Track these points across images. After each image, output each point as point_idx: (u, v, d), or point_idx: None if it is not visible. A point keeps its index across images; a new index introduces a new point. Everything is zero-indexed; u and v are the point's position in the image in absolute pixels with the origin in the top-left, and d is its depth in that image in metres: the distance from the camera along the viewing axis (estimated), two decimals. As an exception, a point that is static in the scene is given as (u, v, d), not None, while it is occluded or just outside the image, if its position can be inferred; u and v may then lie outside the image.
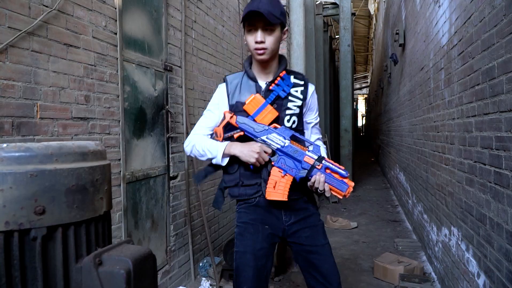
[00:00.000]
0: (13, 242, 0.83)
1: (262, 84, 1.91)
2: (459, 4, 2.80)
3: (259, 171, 1.84)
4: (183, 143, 3.49)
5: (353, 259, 4.33)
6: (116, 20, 2.60)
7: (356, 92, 30.77)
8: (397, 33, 6.43)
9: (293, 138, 1.79)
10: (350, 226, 5.68)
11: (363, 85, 32.77)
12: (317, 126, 2.06)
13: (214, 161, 1.89)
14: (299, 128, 1.93)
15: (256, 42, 1.79)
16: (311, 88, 1.98)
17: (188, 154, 2.00)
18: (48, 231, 0.86)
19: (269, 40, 1.80)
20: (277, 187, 1.76)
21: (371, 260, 4.11)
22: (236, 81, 1.95)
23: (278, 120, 1.85)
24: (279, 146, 1.77)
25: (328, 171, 1.71)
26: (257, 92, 1.89)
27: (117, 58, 2.61)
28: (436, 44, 3.68)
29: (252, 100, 1.83)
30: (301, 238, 1.90)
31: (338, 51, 11.76)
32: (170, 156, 3.33)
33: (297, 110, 1.91)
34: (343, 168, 1.71)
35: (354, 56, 17.70)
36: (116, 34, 2.60)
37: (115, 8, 2.59)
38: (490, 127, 2.19)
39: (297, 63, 5.79)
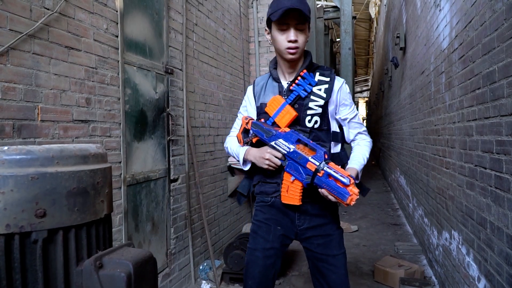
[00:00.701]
0: (14, 245, 0.83)
1: (285, 84, 1.90)
2: (460, 8, 2.80)
3: (279, 172, 1.83)
4: (184, 146, 3.51)
5: (353, 262, 4.32)
6: (117, 23, 2.60)
7: (357, 95, 30.79)
8: (398, 37, 6.43)
9: (300, 142, 1.74)
10: (351, 229, 5.67)
11: (364, 88, 32.77)
12: (356, 119, 1.96)
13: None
14: (323, 128, 1.86)
15: (290, 41, 1.76)
16: (338, 83, 1.89)
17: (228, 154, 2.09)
18: (49, 234, 0.86)
19: (301, 39, 1.79)
20: (289, 192, 1.74)
21: (372, 263, 4.10)
22: (262, 82, 1.97)
23: (299, 121, 1.82)
24: (285, 152, 1.74)
25: (331, 178, 1.63)
26: (279, 92, 1.88)
27: (118, 61, 2.62)
28: (437, 48, 3.68)
29: (272, 101, 1.83)
30: (313, 245, 1.88)
31: (339, 54, 11.78)
32: (171, 158, 3.33)
33: (319, 110, 1.84)
34: (347, 174, 1.60)
35: (355, 59, 17.73)
36: (117, 37, 2.61)
37: (116, 11, 2.60)
38: (491, 131, 2.19)
39: (298, 66, 5.79)
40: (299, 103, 1.83)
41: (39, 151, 0.87)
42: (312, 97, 1.84)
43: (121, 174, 2.64)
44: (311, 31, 6.67)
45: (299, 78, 1.84)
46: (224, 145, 2.10)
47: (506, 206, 1.97)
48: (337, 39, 13.89)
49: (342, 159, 1.94)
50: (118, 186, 2.62)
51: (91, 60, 2.36)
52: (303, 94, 1.82)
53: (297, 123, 1.82)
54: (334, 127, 1.94)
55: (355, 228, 5.72)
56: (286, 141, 1.73)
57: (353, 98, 10.52)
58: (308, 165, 1.67)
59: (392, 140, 8.76)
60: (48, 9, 2.04)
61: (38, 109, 1.98)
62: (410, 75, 5.66)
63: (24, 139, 1.90)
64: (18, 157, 0.85)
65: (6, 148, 0.86)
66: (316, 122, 1.83)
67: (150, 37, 3.06)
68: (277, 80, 1.92)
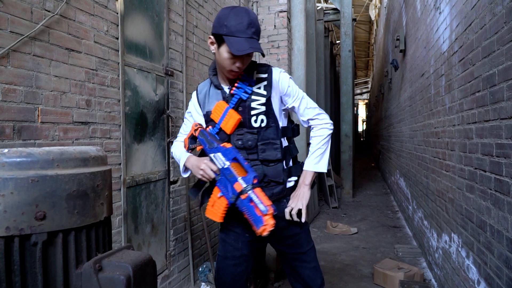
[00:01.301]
0: (14, 247, 0.83)
1: (227, 89, 1.88)
2: (460, 11, 2.81)
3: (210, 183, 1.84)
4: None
5: (353, 265, 4.31)
6: (117, 25, 2.61)
7: (356, 97, 30.81)
8: (397, 39, 6.44)
9: (236, 161, 1.71)
10: (350, 231, 5.67)
11: (364, 90, 32.80)
12: (303, 105, 1.90)
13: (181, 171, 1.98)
14: (271, 125, 1.84)
15: (237, 67, 1.75)
16: (275, 74, 1.85)
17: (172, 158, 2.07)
18: (49, 237, 0.86)
19: (246, 62, 1.78)
20: (214, 207, 1.72)
21: (371, 266, 4.10)
22: (205, 89, 1.95)
23: (245, 123, 1.81)
24: (220, 167, 1.71)
25: (252, 203, 1.61)
26: (223, 98, 1.86)
27: (119, 63, 2.62)
28: (436, 50, 3.69)
29: (216, 108, 1.82)
30: (284, 246, 1.94)
31: (338, 56, 11.79)
32: (171, 160, 3.33)
33: (263, 108, 1.82)
34: (268, 204, 1.58)
35: (355, 62, 17.74)
36: (117, 38, 2.61)
37: (117, 13, 2.60)
38: (491, 134, 2.19)
39: (298, 68, 5.80)
40: (242, 105, 1.82)
41: (39, 153, 0.87)
42: (253, 97, 1.82)
43: (120, 176, 2.64)
44: (311, 34, 6.68)
45: (238, 81, 1.83)
46: (171, 150, 2.08)
47: (506, 209, 1.97)
48: (337, 41, 13.91)
49: (292, 152, 1.94)
50: (117, 188, 2.62)
51: (91, 62, 2.36)
52: (244, 96, 1.80)
53: (243, 125, 1.81)
54: (283, 122, 1.92)
55: (355, 231, 5.72)
56: (223, 156, 1.70)
57: (353, 100, 10.53)
58: (236, 185, 1.65)
59: (392, 142, 8.76)
60: (49, 11, 2.04)
61: (38, 110, 1.98)
62: (410, 78, 5.66)
63: (24, 140, 1.90)
64: (18, 159, 0.85)
65: (6, 150, 0.86)
66: (262, 121, 1.81)
67: (150, 39, 3.06)
68: (218, 86, 1.89)
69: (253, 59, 1.87)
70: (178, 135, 2.09)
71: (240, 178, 1.64)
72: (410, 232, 5.58)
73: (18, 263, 0.84)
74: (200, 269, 3.76)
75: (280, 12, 5.54)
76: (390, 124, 9.17)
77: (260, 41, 5.00)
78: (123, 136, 2.65)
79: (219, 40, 1.73)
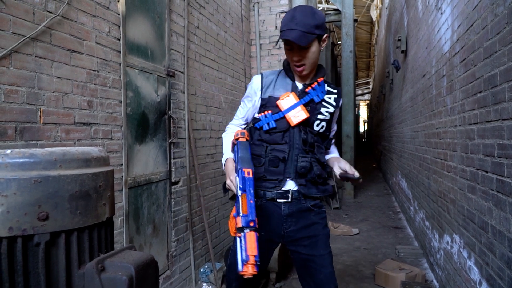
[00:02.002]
0: (17, 248, 0.84)
1: (299, 85, 1.95)
2: (461, 12, 2.81)
3: (278, 166, 1.89)
4: (185, 149, 3.51)
5: (354, 265, 4.31)
6: (119, 26, 2.61)
7: (358, 98, 30.81)
8: (399, 40, 6.44)
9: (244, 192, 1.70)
10: (352, 232, 5.66)
11: (365, 91, 32.79)
12: (334, 128, 2.11)
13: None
14: (326, 133, 1.99)
15: (295, 61, 1.84)
16: (341, 94, 2.04)
17: None
18: (51, 237, 0.86)
19: (307, 58, 1.84)
20: (230, 222, 1.74)
21: (373, 267, 4.09)
22: (271, 76, 2.00)
23: (308, 123, 1.89)
24: (234, 191, 1.71)
25: (242, 243, 1.59)
26: (292, 91, 1.93)
27: (120, 64, 2.62)
28: (438, 51, 3.69)
29: (287, 97, 1.88)
30: (300, 247, 1.92)
31: (340, 57, 11.80)
32: (172, 161, 3.33)
33: (328, 116, 1.96)
34: (252, 254, 1.55)
35: (356, 62, 17.74)
36: (119, 40, 2.61)
37: (119, 14, 2.61)
38: (492, 134, 2.19)
39: (299, 69, 5.80)
40: (311, 106, 1.91)
41: (41, 154, 0.88)
42: (324, 103, 1.94)
43: (122, 176, 2.64)
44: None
45: (315, 83, 1.93)
46: (223, 134, 2.11)
47: (508, 210, 1.97)
48: (338, 42, 13.91)
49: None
50: (119, 189, 2.62)
51: (93, 63, 2.37)
52: (316, 99, 1.90)
53: (306, 124, 1.89)
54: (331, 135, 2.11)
55: (356, 231, 5.71)
56: (239, 183, 1.66)
57: (354, 101, 10.53)
58: (237, 219, 1.63)
59: (393, 143, 8.75)
60: (50, 13, 2.04)
61: (40, 111, 1.99)
62: (411, 78, 5.66)
63: (27, 141, 1.90)
64: (21, 160, 0.85)
65: (9, 151, 0.86)
66: (322, 127, 1.94)
67: (152, 40, 3.07)
68: (292, 78, 1.96)
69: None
70: (233, 119, 2.12)
71: (242, 215, 1.61)
72: (412, 233, 5.58)
73: (21, 263, 0.84)
74: (202, 270, 3.77)
75: (282, 13, 5.54)
76: (392, 125, 9.17)
77: (261, 42, 5.03)
78: (125, 137, 2.65)
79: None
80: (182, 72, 3.51)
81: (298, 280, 3.72)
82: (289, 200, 1.88)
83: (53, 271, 0.88)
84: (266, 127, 1.89)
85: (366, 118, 38.50)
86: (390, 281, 3.59)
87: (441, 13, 3.50)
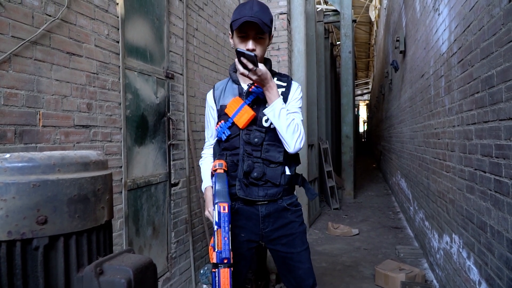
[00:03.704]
0: (16, 252, 0.84)
1: (244, 86, 1.96)
2: (458, 13, 2.82)
3: (235, 170, 1.91)
4: (184, 150, 3.52)
5: (354, 266, 4.32)
6: (118, 29, 2.62)
7: (357, 98, 30.81)
8: (397, 40, 6.45)
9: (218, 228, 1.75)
10: (352, 233, 5.67)
11: (365, 91, 32.79)
12: (291, 110, 1.89)
13: None
14: None
15: (248, 50, 1.83)
16: (294, 87, 1.97)
17: None
18: (50, 241, 0.87)
19: (259, 48, 1.87)
20: (210, 250, 1.77)
21: (373, 267, 4.10)
22: (221, 86, 2.04)
23: (256, 121, 1.88)
24: (213, 224, 1.75)
25: (216, 279, 1.66)
26: (239, 94, 1.94)
27: (119, 66, 2.63)
28: (436, 52, 3.70)
29: (232, 103, 1.90)
30: (278, 245, 1.97)
31: (339, 58, 11.80)
32: (171, 163, 3.34)
33: None
34: None
35: (355, 62, 17.75)
36: (118, 42, 2.62)
37: (118, 17, 2.62)
38: (490, 135, 2.20)
39: (298, 69, 5.81)
40: (257, 104, 1.91)
41: (40, 158, 0.88)
42: None
43: (122, 178, 2.65)
44: (311, 35, 6.69)
45: None
46: (200, 161, 2.18)
47: (506, 210, 1.98)
48: (337, 43, 13.92)
49: (295, 159, 2.00)
50: (119, 191, 2.63)
51: (92, 66, 2.38)
52: (262, 95, 1.88)
53: (254, 122, 1.88)
54: None
55: (356, 232, 5.72)
56: (215, 217, 1.71)
57: (354, 101, 10.53)
58: (213, 255, 1.69)
59: (393, 143, 8.76)
60: (50, 16, 2.05)
61: (39, 114, 1.99)
62: (410, 79, 5.67)
63: (26, 144, 1.91)
64: (20, 164, 0.86)
65: (8, 155, 0.87)
66: (272, 123, 1.87)
67: (151, 42, 3.08)
68: (236, 82, 1.99)
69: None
70: (205, 143, 2.16)
71: (217, 251, 1.67)
72: (412, 233, 5.58)
73: (20, 267, 0.85)
74: (202, 271, 3.77)
75: (280, 14, 5.55)
76: (391, 125, 9.18)
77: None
78: (124, 139, 2.66)
79: (232, 30, 1.91)
80: (181, 74, 3.52)
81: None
82: (265, 201, 1.92)
83: (52, 274, 0.88)
84: (223, 137, 1.93)
85: (365, 118, 38.50)
86: (390, 281, 3.60)
87: (439, 14, 3.51)
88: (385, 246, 5.07)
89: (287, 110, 1.84)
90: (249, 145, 1.88)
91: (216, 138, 2.06)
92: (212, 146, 2.10)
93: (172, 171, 3.35)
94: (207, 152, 2.14)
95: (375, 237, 5.57)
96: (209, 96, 2.08)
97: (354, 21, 9.88)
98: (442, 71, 3.45)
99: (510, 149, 1.91)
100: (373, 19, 16.95)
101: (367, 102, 33.76)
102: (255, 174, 1.86)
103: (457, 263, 2.93)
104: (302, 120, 1.91)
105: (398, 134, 7.64)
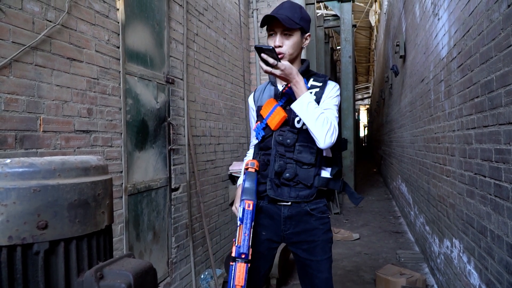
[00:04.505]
0: (16, 257, 0.84)
1: (280, 87, 1.97)
2: (458, 17, 2.83)
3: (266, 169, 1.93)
4: (185, 155, 3.52)
5: (355, 271, 4.31)
6: (118, 34, 2.63)
7: (357, 102, 30.83)
8: (397, 45, 6.47)
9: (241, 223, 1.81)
10: (352, 237, 5.66)
11: (365, 95, 32.82)
12: (324, 106, 1.86)
13: None
14: None
15: (275, 46, 1.82)
16: (330, 86, 1.91)
17: None
18: (51, 246, 0.87)
19: (287, 44, 1.84)
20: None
21: (373, 272, 4.09)
22: (261, 87, 2.08)
23: (289, 122, 1.87)
24: (237, 219, 1.82)
25: (233, 273, 1.72)
26: (274, 95, 1.96)
27: (120, 72, 2.64)
28: (436, 56, 3.70)
29: (266, 104, 1.92)
30: (299, 250, 1.95)
31: (339, 62, 11.82)
32: (172, 168, 3.34)
33: None
34: (240, 284, 1.69)
35: (356, 67, 17.78)
36: (118, 48, 2.63)
37: (118, 23, 2.63)
38: (490, 139, 2.20)
39: (298, 74, 5.82)
40: (290, 105, 1.87)
41: (41, 163, 0.89)
42: None
43: (122, 183, 2.65)
44: (311, 40, 6.71)
45: None
46: (244, 158, 2.22)
47: (506, 215, 1.98)
48: (338, 47, 13.95)
49: (330, 161, 1.96)
50: (119, 196, 2.63)
51: (92, 71, 2.39)
52: (294, 97, 1.84)
53: (287, 123, 1.88)
54: None
55: (357, 236, 5.71)
56: (240, 213, 1.79)
57: (354, 105, 10.55)
58: (232, 248, 1.76)
59: (393, 147, 8.76)
60: (50, 21, 2.06)
61: (40, 120, 2.00)
62: (410, 83, 5.68)
63: (26, 149, 1.92)
64: (20, 169, 0.86)
65: (8, 161, 0.87)
66: (304, 123, 1.83)
67: (151, 48, 3.09)
68: (274, 83, 2.00)
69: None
70: (250, 144, 2.19)
71: (236, 246, 1.73)
72: (412, 238, 5.57)
73: (20, 272, 0.85)
74: (202, 276, 3.76)
75: (280, 19, 5.56)
76: (391, 130, 9.18)
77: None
78: (125, 144, 2.67)
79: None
80: (181, 79, 3.53)
81: (298, 286, 3.72)
82: (289, 203, 1.89)
83: (52, 279, 0.89)
84: (259, 137, 1.95)
85: (366, 123, 38.52)
86: (391, 286, 3.58)
87: (438, 19, 3.52)
88: (385, 251, 5.05)
89: (318, 106, 1.79)
90: (282, 146, 1.88)
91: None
92: (254, 145, 2.12)
93: (172, 176, 3.35)
94: (250, 152, 2.17)
95: (376, 241, 5.56)
96: (250, 97, 2.11)
97: (354, 26, 9.91)
98: (442, 75, 3.46)
99: (510, 153, 1.91)
100: (373, 24, 17.00)
101: (368, 106, 33.79)
102: (287, 174, 1.85)
103: (458, 268, 2.92)
104: (336, 117, 1.85)
105: (398, 139, 7.64)
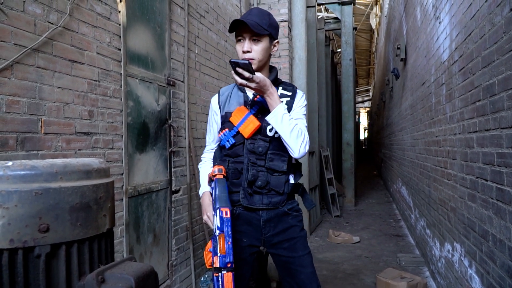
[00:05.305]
0: (18, 260, 0.84)
1: (250, 94, 1.96)
2: (460, 21, 2.83)
3: (239, 178, 1.92)
4: (185, 157, 3.51)
5: (355, 274, 4.30)
6: (120, 36, 2.63)
7: (358, 105, 30.85)
8: (398, 48, 6.47)
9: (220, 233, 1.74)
10: (353, 240, 5.65)
11: (365, 98, 32.84)
12: (295, 116, 1.90)
13: None
14: None
15: (243, 52, 1.85)
16: (299, 95, 1.97)
17: None
18: (52, 249, 0.87)
19: (255, 50, 1.86)
20: (206, 255, 1.78)
21: (374, 275, 4.08)
22: (227, 92, 2.04)
23: (261, 130, 1.88)
24: (213, 230, 1.74)
25: (220, 283, 1.66)
26: (244, 102, 1.95)
27: (121, 74, 2.64)
28: (437, 60, 3.70)
29: (237, 112, 1.91)
30: (280, 250, 1.97)
31: (340, 65, 11.84)
32: (173, 170, 3.34)
33: None
34: None
35: (356, 70, 17.79)
36: (120, 50, 2.63)
37: (119, 25, 2.63)
38: (492, 143, 2.20)
39: (299, 77, 5.83)
40: (262, 114, 1.90)
41: (43, 166, 0.88)
42: None
43: (123, 186, 2.64)
44: (312, 43, 6.71)
45: None
46: (199, 164, 2.19)
47: (508, 219, 1.97)
48: (338, 50, 13.97)
49: (298, 168, 2.02)
50: (120, 198, 2.63)
51: (94, 73, 2.38)
52: (267, 105, 1.86)
53: (258, 132, 1.89)
54: None
55: (357, 239, 5.70)
56: (218, 222, 1.70)
57: (354, 108, 10.55)
58: (215, 259, 1.68)
59: (394, 150, 8.75)
60: (52, 24, 2.06)
61: (41, 122, 2.00)
62: (411, 86, 5.68)
63: (27, 151, 1.91)
64: (22, 172, 0.86)
65: (10, 163, 0.87)
66: (276, 132, 1.87)
67: (153, 50, 3.09)
68: (242, 90, 1.98)
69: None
70: (206, 147, 2.17)
71: (220, 256, 1.66)
72: (413, 241, 5.56)
73: (21, 275, 0.84)
74: (202, 279, 3.75)
75: (281, 21, 5.58)
76: (392, 132, 9.18)
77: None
78: (125, 146, 2.66)
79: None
80: (182, 81, 3.53)
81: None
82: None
83: (53, 282, 0.88)
84: (227, 145, 1.93)
85: (366, 125, 38.52)
86: (391, 289, 3.58)
87: (440, 22, 3.53)
88: (386, 254, 5.04)
89: (291, 117, 1.84)
90: (253, 154, 1.88)
91: (218, 143, 2.07)
92: (213, 150, 2.11)
93: (173, 178, 3.35)
94: (207, 156, 2.14)
95: (376, 245, 5.55)
96: (214, 100, 2.08)
97: (355, 28, 9.92)
98: (443, 79, 3.46)
99: (512, 157, 1.91)
100: (373, 26, 17.03)
101: (368, 109, 33.80)
102: (259, 183, 1.87)
103: (459, 272, 2.91)
104: (306, 126, 1.91)
105: (399, 142, 7.64)
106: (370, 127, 29.94)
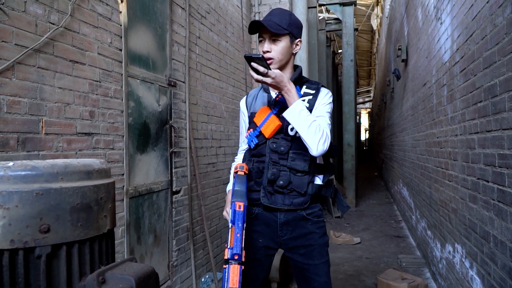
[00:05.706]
0: (18, 260, 0.84)
1: (273, 94, 1.96)
2: (461, 22, 2.83)
3: (261, 177, 1.91)
4: (186, 158, 3.51)
5: (356, 275, 4.29)
6: (121, 37, 2.63)
7: (359, 106, 30.82)
8: (399, 49, 6.47)
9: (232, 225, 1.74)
10: (353, 241, 5.64)
11: (366, 99, 32.82)
12: (316, 114, 1.86)
13: None
14: None
15: (263, 52, 1.84)
16: (323, 93, 1.91)
17: None
18: (53, 250, 0.87)
19: (275, 50, 1.85)
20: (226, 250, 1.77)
21: (375, 276, 4.07)
22: (254, 93, 2.06)
23: (282, 130, 1.87)
24: (228, 222, 1.75)
25: (226, 275, 1.65)
26: (268, 102, 1.95)
27: (122, 74, 2.64)
28: (438, 61, 3.70)
29: (260, 112, 1.91)
30: (296, 255, 1.93)
31: (341, 66, 11.83)
32: (173, 170, 3.34)
33: None
34: (234, 286, 1.60)
35: (357, 71, 17.79)
36: (121, 50, 2.63)
37: (121, 25, 2.63)
38: (493, 144, 2.19)
39: (300, 78, 5.82)
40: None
41: (43, 167, 0.88)
42: None
43: (123, 186, 2.64)
44: (313, 43, 6.71)
45: None
46: (232, 164, 2.19)
47: (509, 220, 1.97)
48: (339, 51, 13.97)
49: (323, 168, 1.95)
50: (120, 199, 2.62)
51: (95, 74, 2.38)
52: (287, 104, 1.84)
53: (281, 131, 1.88)
54: None
55: (358, 240, 5.69)
56: (231, 215, 1.71)
57: (355, 109, 10.54)
58: (225, 251, 1.67)
59: (395, 151, 8.75)
60: (53, 24, 2.06)
61: (42, 122, 2.00)
62: (412, 87, 5.67)
63: (28, 152, 1.91)
64: (23, 173, 0.86)
65: (11, 164, 0.87)
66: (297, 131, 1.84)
67: (154, 51, 3.09)
68: (266, 90, 1.99)
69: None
70: (239, 145, 2.19)
71: (229, 248, 1.66)
72: (414, 242, 5.55)
73: (22, 276, 0.84)
74: (203, 280, 3.75)
75: (282, 22, 5.57)
76: (393, 133, 9.17)
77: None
78: (126, 146, 2.66)
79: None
80: (183, 82, 3.53)
81: (299, 290, 3.70)
82: (285, 209, 1.89)
83: (54, 283, 0.88)
84: (252, 145, 1.94)
85: (367, 126, 38.50)
86: (392, 291, 3.57)
87: (441, 23, 3.52)
88: (387, 255, 5.04)
89: (310, 114, 1.79)
90: (276, 154, 1.87)
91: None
92: (244, 151, 2.11)
93: (173, 178, 3.34)
94: (239, 157, 2.16)
95: (377, 246, 5.54)
96: (242, 102, 2.10)
97: (356, 29, 9.92)
98: (444, 80, 3.46)
99: (513, 158, 1.91)
100: (375, 27, 17.02)
101: (369, 110, 33.78)
102: (281, 182, 1.84)
103: (460, 273, 2.91)
104: (329, 124, 1.85)
105: (400, 143, 7.63)
106: (371, 128, 29.93)
